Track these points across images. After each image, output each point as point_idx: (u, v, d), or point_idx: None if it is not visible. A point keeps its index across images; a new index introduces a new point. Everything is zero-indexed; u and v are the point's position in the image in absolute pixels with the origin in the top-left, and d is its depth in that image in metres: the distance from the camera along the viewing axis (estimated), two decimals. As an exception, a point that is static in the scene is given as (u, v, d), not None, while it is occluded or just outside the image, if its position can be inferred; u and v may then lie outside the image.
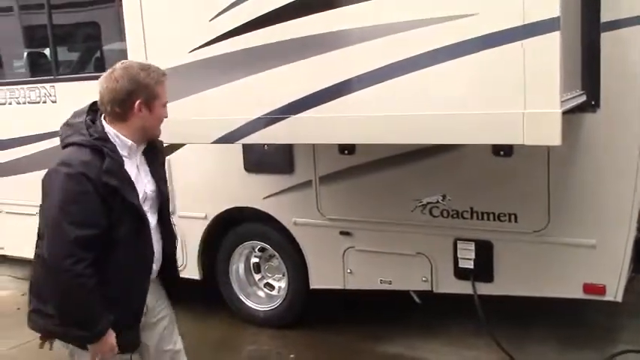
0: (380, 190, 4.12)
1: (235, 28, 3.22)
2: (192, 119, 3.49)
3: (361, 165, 4.12)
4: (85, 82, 5.14)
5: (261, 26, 3.17)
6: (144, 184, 2.58)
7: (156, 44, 3.47)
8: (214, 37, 3.28)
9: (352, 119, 3.07)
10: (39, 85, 5.34)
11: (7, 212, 5.79)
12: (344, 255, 4.35)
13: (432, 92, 2.88)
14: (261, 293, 4.95)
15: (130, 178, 2.47)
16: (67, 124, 2.53)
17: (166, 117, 2.65)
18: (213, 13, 3.26)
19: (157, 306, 2.76)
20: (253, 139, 3.31)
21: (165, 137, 3.66)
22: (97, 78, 4.78)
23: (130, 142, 2.51)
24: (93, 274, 2.34)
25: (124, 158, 2.48)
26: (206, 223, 4.84)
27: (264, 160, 4.46)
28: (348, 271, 4.35)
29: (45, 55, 5.72)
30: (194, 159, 4.71)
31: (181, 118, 3.51)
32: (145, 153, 2.63)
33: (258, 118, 3.24)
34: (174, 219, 4.88)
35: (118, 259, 2.44)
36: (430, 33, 2.84)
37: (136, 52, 3.54)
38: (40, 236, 2.48)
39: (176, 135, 3.60)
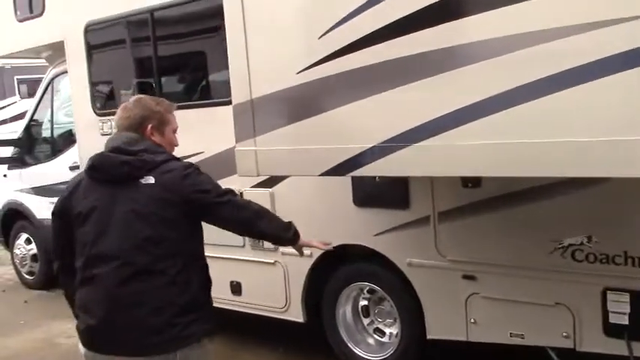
0: (511, 228, 3.56)
1: (348, 45, 2.84)
2: (297, 149, 3.13)
3: (488, 200, 3.59)
4: (190, 110, 4.97)
5: (378, 41, 2.76)
6: None
7: (261, 67, 3.15)
8: (324, 55, 2.91)
9: (487, 147, 2.58)
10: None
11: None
12: (467, 302, 3.80)
13: (584, 115, 2.37)
14: (370, 340, 4.47)
15: None
16: (139, 152, 2.65)
17: (177, 145, 2.86)
18: (323, 29, 2.89)
19: None
20: (367, 171, 2.89)
21: (267, 170, 3.39)
22: (201, 106, 4.59)
23: None
24: None
25: None
26: (311, 261, 4.44)
27: (376, 194, 4.02)
28: (472, 320, 3.80)
29: (151, 85, 5.62)
30: (298, 192, 4.35)
31: (285, 147, 3.18)
32: None
33: (373, 147, 2.82)
34: (276, 255, 4.67)
35: None
36: (584, 42, 2.33)
37: (239, 76, 3.24)
38: (181, 240, 2.63)
39: (279, 167, 3.29)
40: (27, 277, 7.48)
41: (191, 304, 2.58)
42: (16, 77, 19.97)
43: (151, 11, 5.02)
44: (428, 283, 3.96)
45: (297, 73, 3.00)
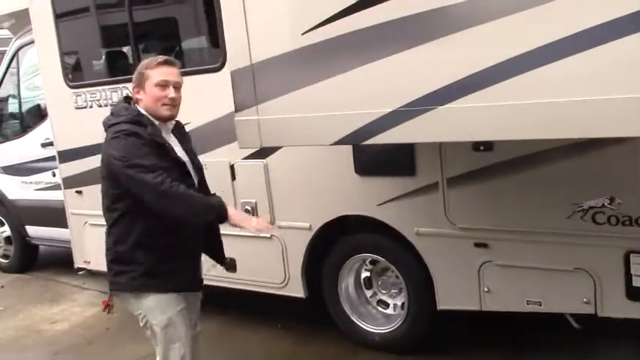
0: (526, 192, 3.39)
1: (359, 1, 2.58)
2: (305, 117, 2.88)
3: (501, 163, 3.41)
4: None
5: (393, -4, 2.52)
6: (178, 154, 3.00)
7: (261, 29, 2.88)
8: (333, 14, 2.65)
9: (514, 109, 2.38)
10: (121, 86, 4.87)
11: (91, 224, 5.38)
12: (480, 270, 3.65)
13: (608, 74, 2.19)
14: (375, 313, 4.31)
15: (168, 142, 2.95)
16: (111, 114, 3.00)
17: (168, 96, 2.91)
18: (332, -17, 2.64)
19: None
20: (385, 138, 2.66)
21: (272, 140, 3.15)
22: (184, 74, 4.23)
23: (152, 119, 2.94)
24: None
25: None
26: (310, 234, 4.24)
27: (379, 160, 3.80)
28: (485, 289, 3.65)
29: (125, 54, 5.28)
30: (295, 161, 4.13)
31: (290, 116, 2.94)
32: (174, 133, 3.06)
33: (391, 112, 2.59)
34: (274, 229, 4.45)
35: None
36: None
37: (237, 40, 2.97)
38: (117, 197, 2.90)
39: (285, 137, 3.05)
40: (1, 260, 7.14)
41: (123, 256, 2.91)
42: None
43: (125, -27, 4.66)
44: (438, 253, 3.80)
45: (303, 34, 2.74)
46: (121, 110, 2.94)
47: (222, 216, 2.82)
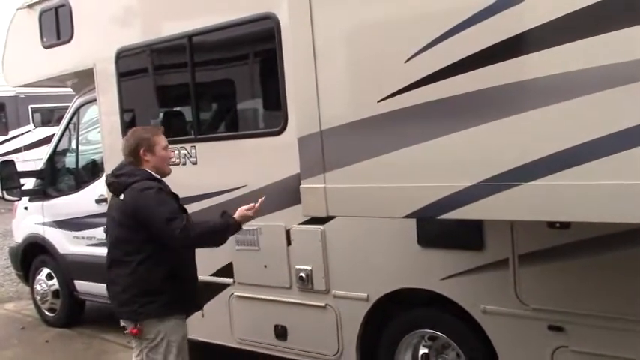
0: (608, 274, 3.15)
1: (441, 69, 2.48)
2: (374, 187, 2.76)
3: (580, 242, 3.20)
4: (230, 141, 4.66)
5: (478, 66, 2.41)
6: None
7: (333, 95, 2.80)
8: (412, 82, 2.55)
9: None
10: (179, 146, 4.85)
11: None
12: (553, 356, 3.38)
13: None
14: (435, 393, 4.05)
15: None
16: (120, 175, 3.62)
17: (170, 157, 3.86)
18: (411, 51, 2.54)
19: None
20: (462, 214, 2.51)
21: (339, 210, 3.02)
22: (245, 137, 4.19)
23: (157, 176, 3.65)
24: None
25: None
26: (368, 305, 4.05)
27: (445, 232, 3.61)
28: (559, 376, 3.39)
29: (182, 114, 5.30)
30: (354, 228, 3.97)
31: (360, 185, 2.81)
32: None
33: (471, 186, 2.45)
34: (328, 298, 4.30)
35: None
36: None
37: (306, 105, 2.89)
38: (141, 243, 3.50)
39: (353, 207, 2.92)
40: (48, 313, 7.08)
41: (150, 289, 3.45)
42: (30, 106, 19.87)
43: (190, 36, 4.70)
44: (506, 333, 3.54)
45: (379, 101, 2.65)
46: (135, 171, 3.57)
47: (237, 227, 3.54)
